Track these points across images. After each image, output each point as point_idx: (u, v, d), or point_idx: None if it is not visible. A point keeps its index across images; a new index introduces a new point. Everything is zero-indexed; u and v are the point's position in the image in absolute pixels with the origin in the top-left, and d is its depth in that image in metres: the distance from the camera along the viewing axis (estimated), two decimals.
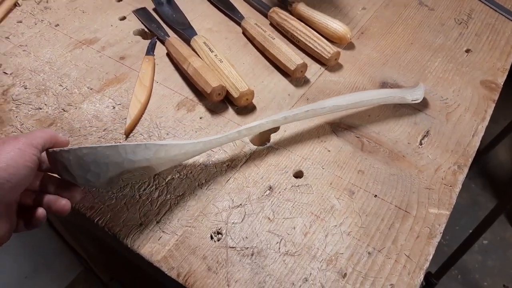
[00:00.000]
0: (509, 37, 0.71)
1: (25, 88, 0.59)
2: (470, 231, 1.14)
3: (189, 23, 0.69)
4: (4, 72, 0.61)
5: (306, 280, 0.41)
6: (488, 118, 0.58)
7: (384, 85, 0.62)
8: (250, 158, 0.52)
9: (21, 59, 0.63)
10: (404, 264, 0.43)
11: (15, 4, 0.73)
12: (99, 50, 0.65)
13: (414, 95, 0.57)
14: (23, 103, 0.57)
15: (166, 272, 0.42)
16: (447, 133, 0.55)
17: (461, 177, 0.50)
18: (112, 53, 0.65)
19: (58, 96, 0.58)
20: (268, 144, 0.53)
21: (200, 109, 0.57)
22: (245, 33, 0.69)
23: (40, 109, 0.56)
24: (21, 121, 0.55)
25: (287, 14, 0.69)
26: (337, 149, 0.53)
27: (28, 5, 0.73)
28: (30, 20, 0.70)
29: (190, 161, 0.51)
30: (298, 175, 0.50)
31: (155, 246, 0.43)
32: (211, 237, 0.44)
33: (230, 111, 0.57)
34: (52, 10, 0.72)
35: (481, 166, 1.65)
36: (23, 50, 0.65)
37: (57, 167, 0.38)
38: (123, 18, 0.72)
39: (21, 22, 0.70)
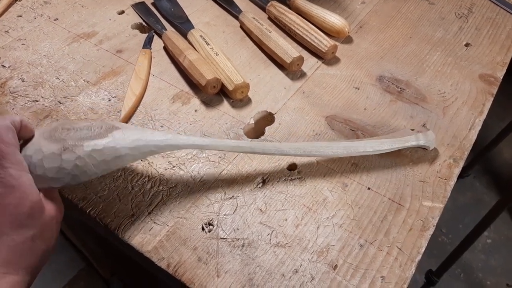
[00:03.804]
0: (509, 31, 0.70)
1: (23, 81, 0.59)
2: None
3: (187, 17, 0.69)
4: (3, 65, 0.61)
5: (296, 272, 0.41)
6: (486, 112, 0.57)
7: (381, 78, 0.61)
8: None
9: (19, 52, 0.63)
10: (396, 256, 0.42)
11: None
12: (97, 44, 0.65)
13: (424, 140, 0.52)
14: (20, 96, 0.57)
15: (156, 263, 0.42)
16: (444, 127, 0.55)
17: (457, 170, 0.50)
18: (109, 46, 0.65)
19: (55, 88, 0.58)
20: (262, 137, 0.53)
21: (195, 102, 0.57)
22: (242, 27, 0.69)
23: (37, 101, 0.56)
24: (17, 113, 0.55)
25: (285, 8, 0.69)
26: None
27: (28, 0, 0.73)
28: (30, 15, 0.70)
29: (183, 153, 0.51)
30: (292, 167, 0.50)
31: (146, 237, 0.43)
32: (202, 228, 0.44)
33: (226, 104, 0.57)
34: (51, 4, 0.73)
35: (486, 165, 1.63)
36: (22, 44, 0.65)
37: None
38: (122, 12, 0.72)
39: (21, 16, 0.70)
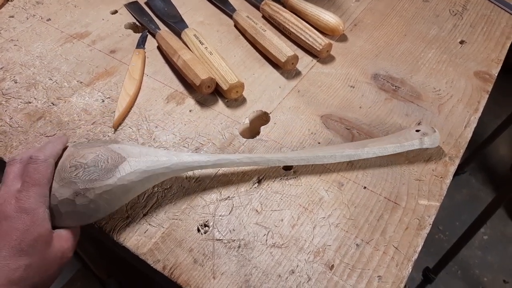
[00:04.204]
0: (504, 28, 0.70)
1: (15, 82, 0.58)
2: None
3: (180, 16, 0.69)
4: None
5: (293, 272, 0.41)
6: (481, 109, 0.57)
7: (376, 76, 0.61)
8: (240, 150, 0.51)
9: (12, 53, 0.63)
10: (392, 255, 0.42)
11: None
12: (90, 44, 0.65)
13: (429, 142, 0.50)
14: (13, 97, 0.57)
15: (151, 265, 0.41)
16: (439, 125, 0.55)
17: (452, 168, 0.50)
18: (102, 46, 0.64)
19: (48, 90, 0.58)
20: (258, 137, 0.53)
21: (190, 102, 0.57)
22: (236, 25, 0.68)
23: (30, 103, 0.56)
24: (10, 115, 0.54)
25: (279, 6, 0.68)
26: (327, 141, 0.52)
27: (20, 0, 0.73)
28: (22, 15, 0.70)
29: None
30: (288, 167, 0.50)
31: (141, 239, 0.43)
32: (198, 230, 0.44)
33: (220, 103, 0.57)
34: (44, 4, 0.72)
35: (481, 161, 1.64)
36: (14, 45, 0.64)
37: None
38: (115, 12, 0.71)
39: (13, 17, 0.69)
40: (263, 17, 0.71)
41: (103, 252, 0.92)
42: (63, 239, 0.38)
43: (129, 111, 0.55)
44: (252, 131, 0.55)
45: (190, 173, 0.49)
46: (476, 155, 1.50)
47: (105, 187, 0.39)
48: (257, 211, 0.45)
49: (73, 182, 0.39)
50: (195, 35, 0.62)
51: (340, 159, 0.49)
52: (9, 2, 0.72)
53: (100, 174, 0.39)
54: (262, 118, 0.57)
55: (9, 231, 0.34)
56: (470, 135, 0.54)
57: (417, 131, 0.51)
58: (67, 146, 0.43)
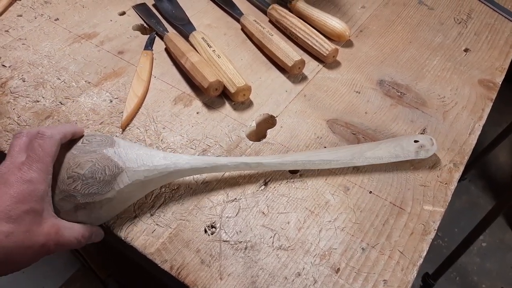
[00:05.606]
0: (508, 37, 0.71)
1: (23, 81, 0.59)
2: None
3: (188, 19, 0.69)
4: (3, 65, 0.61)
5: (299, 275, 0.41)
6: (485, 117, 0.58)
7: (381, 82, 0.62)
8: (246, 153, 0.52)
9: (20, 52, 0.63)
10: (398, 260, 0.43)
11: None
12: (98, 45, 0.65)
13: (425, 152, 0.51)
14: (21, 96, 0.57)
15: (159, 265, 0.42)
16: (444, 131, 0.55)
17: (457, 175, 0.50)
18: (110, 47, 0.65)
19: (56, 89, 0.58)
20: (264, 140, 0.53)
21: (197, 104, 0.57)
22: (244, 29, 0.69)
23: (38, 101, 0.56)
24: (18, 114, 0.55)
25: (286, 11, 0.69)
26: (333, 146, 0.53)
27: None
28: (30, 14, 0.70)
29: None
30: (294, 171, 0.50)
31: (149, 239, 0.43)
32: (205, 231, 0.44)
33: (227, 106, 0.57)
34: (52, 4, 0.73)
35: (481, 169, 1.65)
36: (22, 44, 0.65)
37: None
38: (123, 13, 0.72)
39: (21, 16, 0.70)
40: (270, 21, 0.72)
41: (103, 251, 0.92)
42: (57, 229, 0.38)
43: (137, 112, 0.55)
44: (258, 134, 0.56)
45: (197, 175, 0.49)
46: (476, 162, 1.51)
47: (105, 200, 0.40)
48: (263, 213, 0.46)
49: (72, 196, 0.39)
50: (203, 38, 0.62)
51: (335, 165, 0.49)
52: (17, 1, 0.73)
53: (99, 187, 0.40)
54: (269, 122, 0.57)
55: (4, 196, 0.35)
56: (474, 142, 0.54)
57: (416, 141, 0.51)
58: (83, 135, 0.43)
